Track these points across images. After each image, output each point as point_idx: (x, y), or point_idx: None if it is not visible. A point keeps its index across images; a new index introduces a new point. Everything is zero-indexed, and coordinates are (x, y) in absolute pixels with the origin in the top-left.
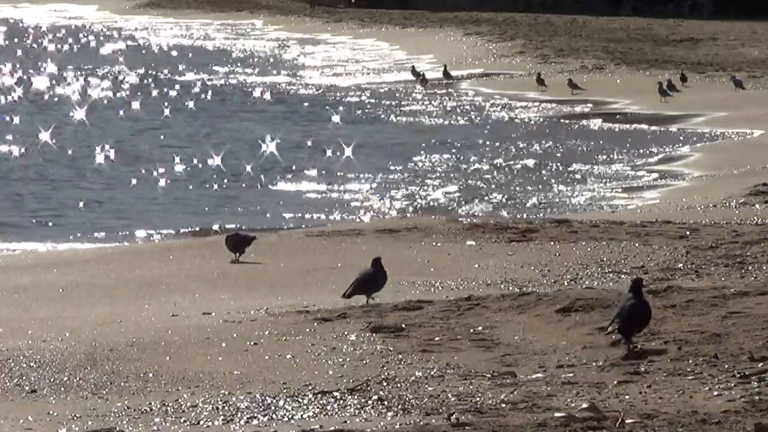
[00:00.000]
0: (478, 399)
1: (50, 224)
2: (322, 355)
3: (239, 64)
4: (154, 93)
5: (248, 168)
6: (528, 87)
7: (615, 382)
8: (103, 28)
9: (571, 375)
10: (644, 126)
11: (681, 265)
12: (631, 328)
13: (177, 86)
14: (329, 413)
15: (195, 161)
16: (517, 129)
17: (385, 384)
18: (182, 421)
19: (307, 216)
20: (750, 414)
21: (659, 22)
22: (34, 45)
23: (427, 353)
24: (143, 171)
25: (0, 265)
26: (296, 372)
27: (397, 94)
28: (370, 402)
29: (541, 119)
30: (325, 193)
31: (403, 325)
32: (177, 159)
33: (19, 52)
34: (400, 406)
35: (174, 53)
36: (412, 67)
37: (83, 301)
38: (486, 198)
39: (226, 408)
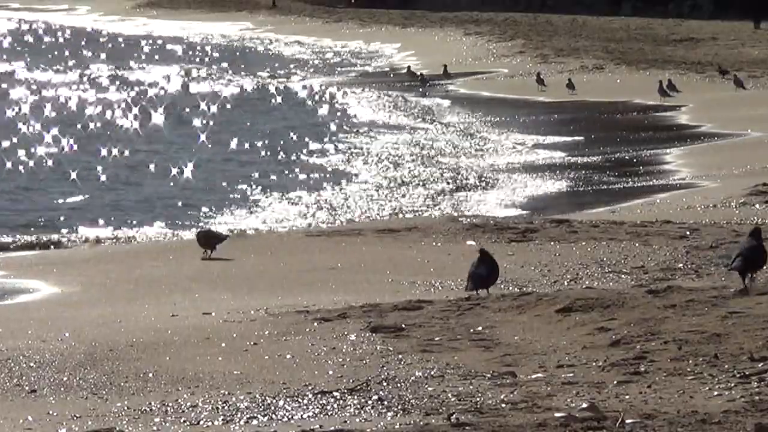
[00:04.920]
0: (478, 399)
1: (50, 224)
2: (322, 355)
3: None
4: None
5: (248, 167)
6: (528, 87)
7: (615, 382)
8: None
9: (571, 375)
10: (643, 125)
11: (681, 265)
12: (749, 267)
13: (179, 87)
14: (329, 413)
15: (194, 161)
16: (510, 126)
17: (385, 384)
18: (182, 421)
19: (307, 215)
20: (750, 414)
21: (659, 22)
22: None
23: (427, 353)
24: (144, 171)
25: (0, 265)
26: (296, 372)
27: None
28: (370, 402)
29: (537, 117)
30: (324, 193)
31: (403, 325)
32: (176, 159)
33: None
34: (400, 406)
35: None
36: (408, 67)
37: (83, 301)
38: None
39: (226, 408)
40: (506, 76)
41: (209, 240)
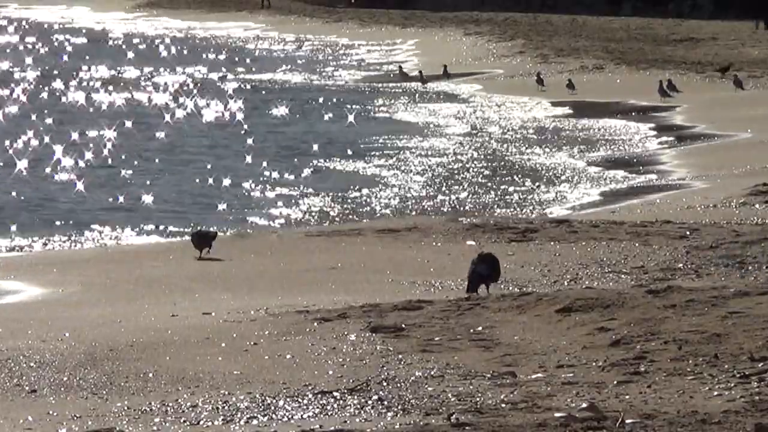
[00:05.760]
0: (478, 399)
1: (50, 224)
2: (322, 355)
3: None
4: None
5: (249, 167)
6: (528, 87)
7: (615, 382)
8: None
9: (571, 375)
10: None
11: (681, 265)
12: None
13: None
14: (329, 413)
15: (195, 161)
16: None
17: (385, 384)
18: (182, 421)
19: (307, 215)
20: (750, 414)
21: (659, 22)
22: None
23: (427, 353)
24: (145, 171)
25: (0, 265)
26: (296, 372)
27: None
28: (370, 402)
29: (534, 119)
30: (324, 192)
31: (403, 325)
32: (178, 159)
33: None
34: (400, 406)
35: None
36: (400, 67)
37: (83, 301)
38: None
39: (226, 408)
40: (506, 76)
41: (204, 240)
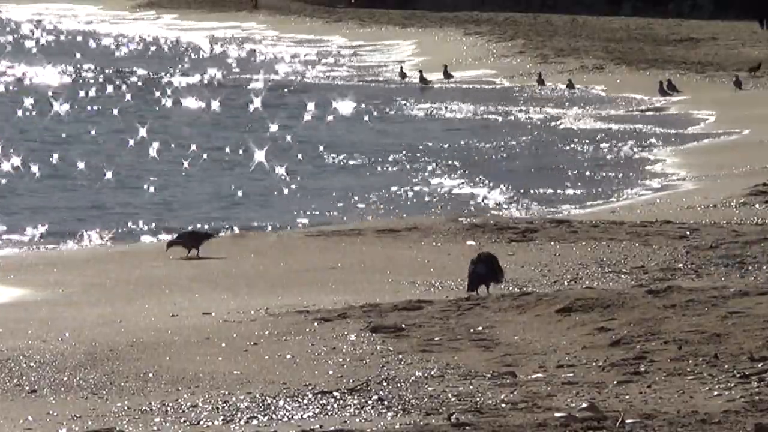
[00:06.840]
0: (478, 399)
1: (50, 224)
2: (322, 355)
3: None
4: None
5: (248, 166)
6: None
7: (615, 382)
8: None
9: (571, 375)
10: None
11: (681, 265)
12: None
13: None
14: (329, 413)
15: (195, 159)
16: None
17: (385, 384)
18: (182, 421)
19: (308, 215)
20: (750, 414)
21: (659, 22)
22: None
23: (427, 353)
24: (145, 170)
25: (0, 264)
26: (296, 372)
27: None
28: (370, 402)
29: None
30: (324, 192)
31: (403, 325)
32: (178, 158)
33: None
34: (400, 406)
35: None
36: (401, 68)
37: (83, 301)
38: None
39: (226, 408)
40: (507, 76)
41: (197, 239)
